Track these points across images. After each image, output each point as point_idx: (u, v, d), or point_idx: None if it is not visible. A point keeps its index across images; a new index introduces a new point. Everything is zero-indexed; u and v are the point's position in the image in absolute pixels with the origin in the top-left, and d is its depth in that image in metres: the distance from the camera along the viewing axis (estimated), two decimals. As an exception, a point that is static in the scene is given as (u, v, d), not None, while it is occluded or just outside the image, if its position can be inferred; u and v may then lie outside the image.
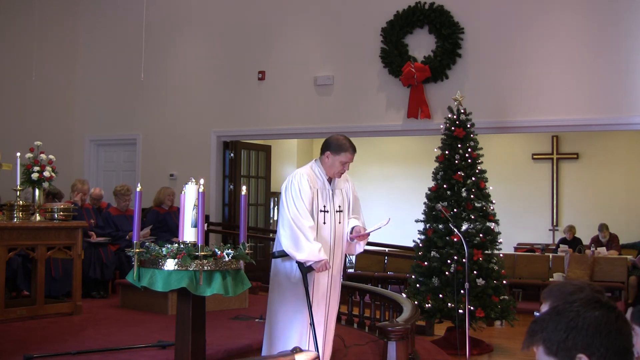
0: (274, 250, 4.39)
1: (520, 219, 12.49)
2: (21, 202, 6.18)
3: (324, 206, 4.38)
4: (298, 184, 4.31)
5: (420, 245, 7.39)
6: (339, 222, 4.45)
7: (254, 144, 11.40)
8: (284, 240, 4.25)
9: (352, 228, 4.49)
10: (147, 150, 11.30)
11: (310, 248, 4.18)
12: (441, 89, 9.22)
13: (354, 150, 4.41)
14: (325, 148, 4.44)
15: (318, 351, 4.08)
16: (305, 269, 4.20)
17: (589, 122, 8.84)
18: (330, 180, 4.47)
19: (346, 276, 10.00)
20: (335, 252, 4.43)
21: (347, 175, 4.62)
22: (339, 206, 4.46)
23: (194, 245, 3.71)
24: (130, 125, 11.45)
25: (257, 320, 6.34)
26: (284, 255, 4.29)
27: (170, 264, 3.61)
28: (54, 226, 6.33)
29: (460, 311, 6.38)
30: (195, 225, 3.81)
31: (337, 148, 4.38)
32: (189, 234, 3.83)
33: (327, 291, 4.40)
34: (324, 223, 4.37)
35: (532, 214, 12.89)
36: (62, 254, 6.49)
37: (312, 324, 4.12)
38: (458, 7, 9.32)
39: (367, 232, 4.44)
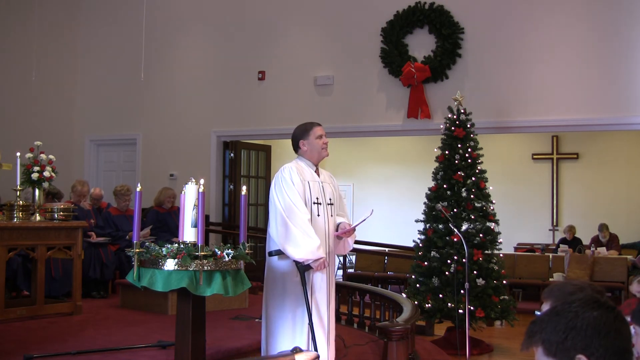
0: (269, 249, 4.26)
1: (520, 219, 12.49)
2: (21, 202, 6.18)
3: (317, 198, 4.31)
4: (289, 177, 4.24)
5: (420, 245, 7.39)
6: (331, 215, 4.39)
7: (254, 144, 11.40)
8: (279, 238, 4.12)
9: (338, 225, 4.42)
10: (147, 150, 11.30)
11: (308, 246, 4.05)
12: (441, 89, 9.23)
13: (318, 123, 4.46)
14: (295, 142, 4.45)
15: (317, 351, 4.05)
16: (303, 268, 4.10)
17: (589, 122, 8.84)
18: (317, 173, 4.42)
19: (346, 276, 10.04)
20: (330, 245, 4.36)
21: (331, 174, 4.61)
22: (330, 199, 4.40)
23: (194, 245, 3.71)
24: (130, 125, 11.45)
25: (257, 320, 6.33)
26: (280, 253, 4.17)
27: (170, 264, 3.61)
28: (54, 226, 6.33)
29: (460, 311, 6.38)
30: (195, 225, 3.81)
31: (304, 132, 4.42)
32: (189, 234, 3.83)
33: (326, 288, 4.32)
34: (318, 215, 4.29)
35: (532, 214, 12.89)
36: (62, 254, 6.49)
37: (310, 324, 4.06)
38: (458, 7, 9.32)
39: (352, 226, 4.35)
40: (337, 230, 4.41)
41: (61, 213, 6.45)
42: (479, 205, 7.17)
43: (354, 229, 4.36)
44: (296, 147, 4.46)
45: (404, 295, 7.11)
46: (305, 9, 10.31)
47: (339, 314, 6.79)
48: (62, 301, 6.79)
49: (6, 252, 5.99)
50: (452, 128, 7.45)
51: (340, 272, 10.11)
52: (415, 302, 6.56)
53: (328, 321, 4.34)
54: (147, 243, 3.84)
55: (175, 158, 11.05)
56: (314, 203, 4.30)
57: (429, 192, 7.46)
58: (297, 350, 2.74)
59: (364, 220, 4.25)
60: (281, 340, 4.20)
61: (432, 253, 7.13)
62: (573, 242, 11.16)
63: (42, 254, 6.23)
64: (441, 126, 7.74)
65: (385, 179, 13.92)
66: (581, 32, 8.77)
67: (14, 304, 6.27)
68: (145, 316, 6.51)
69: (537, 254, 11.10)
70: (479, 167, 7.38)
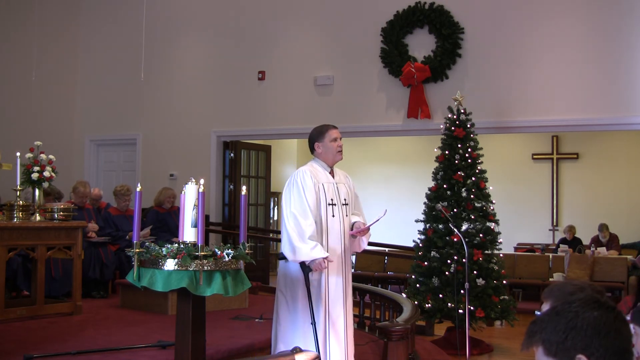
0: (281, 251, 4.39)
1: (520, 219, 12.49)
2: (21, 202, 6.18)
3: (332, 199, 4.39)
4: (301, 180, 4.32)
5: (420, 245, 7.39)
6: (346, 215, 4.47)
7: (254, 144, 11.40)
8: (282, 240, 4.27)
9: (353, 224, 4.50)
10: (147, 150, 11.30)
11: (302, 248, 4.15)
12: (441, 89, 9.23)
13: (334, 126, 4.55)
14: (311, 143, 4.53)
15: (319, 351, 4.06)
16: (307, 269, 4.18)
17: (589, 122, 8.84)
18: (332, 174, 4.50)
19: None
20: (346, 245, 4.44)
21: (346, 173, 4.67)
22: (345, 199, 4.48)
23: (194, 245, 3.71)
24: (130, 125, 11.45)
25: (257, 320, 6.34)
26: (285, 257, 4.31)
27: (170, 264, 3.61)
28: (54, 226, 6.32)
29: (460, 311, 6.38)
30: (195, 225, 3.81)
31: (320, 134, 4.50)
32: (189, 234, 3.83)
33: (343, 287, 4.38)
34: (333, 216, 4.38)
35: (532, 214, 12.89)
36: (62, 254, 6.49)
37: (313, 323, 4.10)
38: (458, 7, 9.32)
39: (367, 226, 4.43)
40: (352, 229, 4.47)
41: (61, 213, 6.44)
42: (479, 205, 7.17)
43: (368, 229, 4.44)
44: (312, 149, 4.55)
45: (404, 295, 7.11)
46: (305, 9, 10.31)
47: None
48: (62, 301, 6.79)
49: (6, 252, 5.99)
50: (452, 128, 7.45)
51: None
52: (415, 302, 6.56)
53: (345, 322, 4.38)
54: (147, 243, 3.84)
55: (175, 158, 11.05)
56: (329, 204, 4.38)
57: (429, 192, 7.46)
58: (297, 350, 2.74)
59: (378, 219, 4.33)
60: (291, 340, 4.21)
61: (432, 253, 7.13)
62: (573, 242, 11.16)
63: (42, 254, 6.23)
64: (441, 126, 7.74)
65: (385, 179, 13.92)
66: (581, 32, 8.76)
67: (14, 304, 6.27)
68: (145, 316, 6.51)
69: (537, 254, 11.10)
70: (479, 167, 7.38)
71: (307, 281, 4.18)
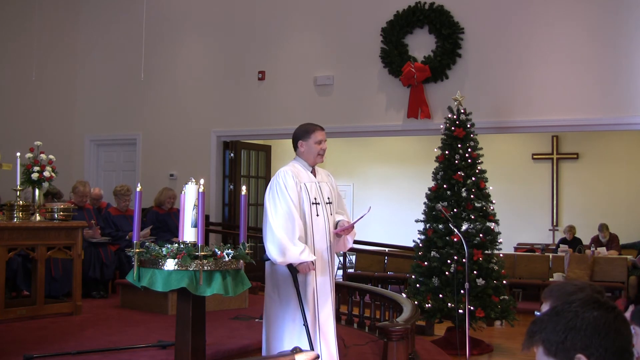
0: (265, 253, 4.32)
1: (520, 219, 12.48)
2: (21, 202, 6.18)
3: (315, 198, 4.33)
4: (283, 181, 4.25)
5: (420, 245, 7.39)
6: (330, 214, 4.42)
7: (254, 144, 11.40)
8: (266, 243, 4.17)
9: (337, 223, 4.45)
10: (147, 150, 11.30)
11: (292, 250, 4.08)
12: (441, 89, 9.23)
13: (321, 128, 4.45)
14: (295, 141, 4.45)
15: (313, 350, 4.06)
16: (294, 270, 4.15)
17: (589, 122, 8.85)
18: (314, 174, 4.44)
19: (346, 276, 10.04)
20: (331, 244, 4.40)
21: (328, 172, 4.63)
22: (328, 198, 4.43)
23: (194, 245, 3.71)
24: (130, 125, 11.45)
25: (257, 320, 6.34)
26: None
27: (170, 264, 3.61)
28: (54, 226, 6.32)
29: (460, 311, 6.38)
30: (195, 225, 3.81)
31: (305, 134, 4.41)
32: (189, 234, 3.83)
33: (330, 286, 4.37)
34: (317, 215, 4.32)
35: (532, 214, 12.89)
36: (62, 254, 6.49)
37: (305, 324, 4.09)
38: (458, 7, 9.32)
39: (351, 224, 4.38)
40: (336, 228, 4.43)
41: (61, 213, 6.44)
42: (479, 205, 7.17)
43: (352, 226, 4.39)
44: (295, 146, 4.48)
45: (404, 295, 7.11)
46: (305, 9, 10.31)
47: (339, 314, 6.80)
48: (62, 301, 6.79)
49: (6, 252, 5.99)
50: (452, 128, 7.45)
51: (340, 272, 10.11)
52: (415, 302, 6.56)
53: (334, 321, 4.38)
54: (147, 243, 3.84)
55: (175, 158, 11.05)
56: (313, 204, 4.32)
57: (429, 192, 7.46)
58: (297, 350, 2.73)
59: (362, 217, 4.30)
60: (282, 341, 4.21)
61: (432, 253, 7.13)
62: (573, 242, 11.16)
63: (42, 254, 6.23)
64: (441, 126, 7.74)
65: (385, 179, 13.92)
66: (581, 32, 8.76)
67: (14, 304, 6.27)
68: (145, 316, 6.51)
69: (537, 254, 11.10)
70: (479, 167, 7.38)
71: (296, 282, 4.15)
